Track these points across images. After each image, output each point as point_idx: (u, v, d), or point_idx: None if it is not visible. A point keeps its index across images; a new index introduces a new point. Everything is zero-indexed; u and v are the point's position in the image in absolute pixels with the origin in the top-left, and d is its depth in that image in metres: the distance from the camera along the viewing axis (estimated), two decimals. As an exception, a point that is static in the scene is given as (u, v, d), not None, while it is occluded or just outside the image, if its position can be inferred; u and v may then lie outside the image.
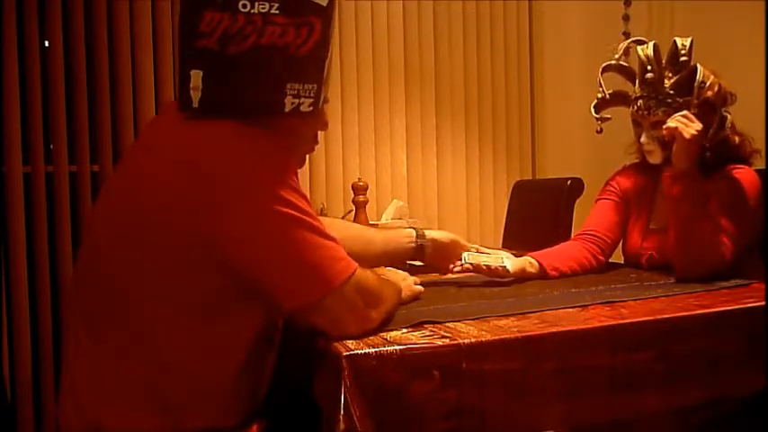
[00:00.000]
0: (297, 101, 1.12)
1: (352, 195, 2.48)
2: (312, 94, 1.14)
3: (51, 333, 2.80)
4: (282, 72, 1.10)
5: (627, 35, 3.07)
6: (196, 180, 1.06)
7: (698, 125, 1.63)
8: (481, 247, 1.75)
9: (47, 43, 2.83)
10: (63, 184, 2.83)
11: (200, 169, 1.06)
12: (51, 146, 2.85)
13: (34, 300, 2.78)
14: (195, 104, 1.10)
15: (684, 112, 1.66)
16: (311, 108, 1.14)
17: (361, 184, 2.47)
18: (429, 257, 1.63)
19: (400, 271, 1.50)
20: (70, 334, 1.18)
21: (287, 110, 1.12)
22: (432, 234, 1.64)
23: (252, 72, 1.09)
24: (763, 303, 1.34)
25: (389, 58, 3.40)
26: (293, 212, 1.06)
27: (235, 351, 1.15)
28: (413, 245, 1.61)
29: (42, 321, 2.78)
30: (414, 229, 1.65)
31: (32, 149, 2.79)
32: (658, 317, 1.26)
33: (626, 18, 3.13)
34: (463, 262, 1.65)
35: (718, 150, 1.74)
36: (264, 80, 1.10)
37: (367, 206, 2.49)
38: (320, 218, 1.14)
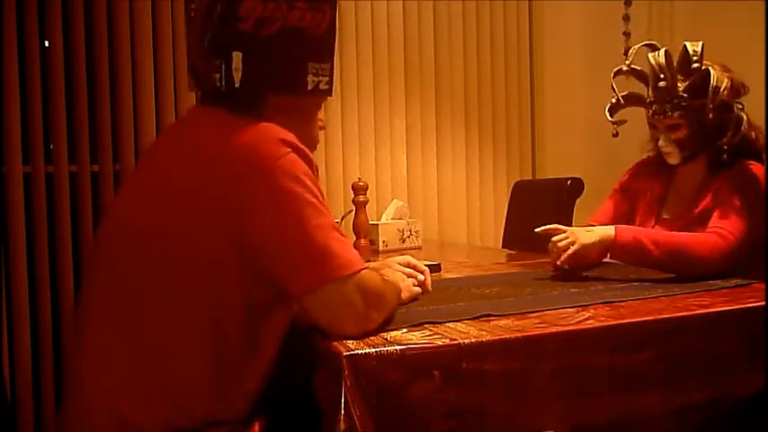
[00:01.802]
0: (317, 79, 1.24)
1: (352, 195, 2.49)
2: (327, 73, 1.26)
3: (51, 333, 2.80)
4: (304, 52, 1.22)
5: (627, 35, 3.07)
6: (228, 167, 1.11)
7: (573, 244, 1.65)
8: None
9: (47, 43, 2.83)
10: (63, 184, 2.83)
11: (232, 156, 1.11)
12: (51, 146, 2.85)
13: (34, 300, 2.78)
14: (237, 84, 1.18)
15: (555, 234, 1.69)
16: (327, 86, 1.27)
17: (361, 184, 2.48)
18: None
19: (401, 268, 1.50)
20: (94, 327, 1.19)
21: (310, 88, 1.23)
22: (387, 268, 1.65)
23: (281, 52, 1.20)
24: (763, 303, 1.34)
25: (389, 58, 3.40)
26: (311, 198, 1.12)
27: (249, 346, 1.16)
28: None
29: (42, 321, 2.78)
30: None
31: (32, 149, 2.80)
32: (658, 317, 1.26)
33: (626, 18, 3.13)
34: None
35: (734, 147, 1.74)
36: (291, 59, 1.21)
37: (367, 206, 2.50)
38: None
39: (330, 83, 1.27)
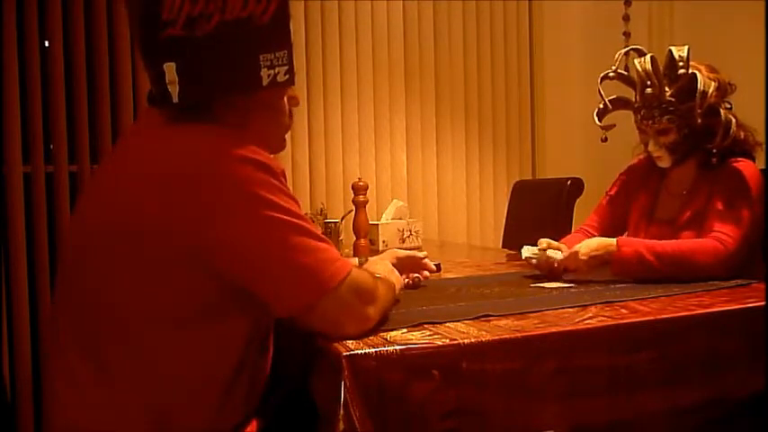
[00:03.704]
0: (272, 71, 1.09)
1: (352, 195, 2.48)
2: (285, 61, 1.11)
3: (51, 333, 2.79)
4: (252, 45, 1.07)
5: (627, 35, 3.07)
6: (182, 191, 1.03)
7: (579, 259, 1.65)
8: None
9: (47, 43, 2.83)
10: (63, 184, 2.83)
11: (186, 180, 1.03)
12: (51, 146, 2.85)
13: (34, 300, 2.78)
14: (175, 99, 1.06)
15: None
16: (287, 76, 1.12)
17: (361, 184, 2.47)
18: None
19: (387, 263, 1.48)
20: (56, 348, 1.14)
21: (265, 83, 1.09)
22: (373, 259, 1.62)
23: (223, 52, 1.06)
24: (763, 303, 1.34)
25: (389, 57, 3.40)
26: (283, 216, 1.05)
27: (227, 357, 1.13)
28: None
29: (42, 321, 2.78)
30: (357, 258, 1.63)
31: (32, 149, 2.80)
32: (658, 317, 1.26)
33: (626, 18, 3.13)
34: (523, 256, 1.76)
35: (724, 148, 1.75)
36: (237, 57, 1.07)
37: (367, 206, 2.49)
38: None
39: (290, 71, 1.11)
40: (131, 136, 1.22)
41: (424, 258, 1.65)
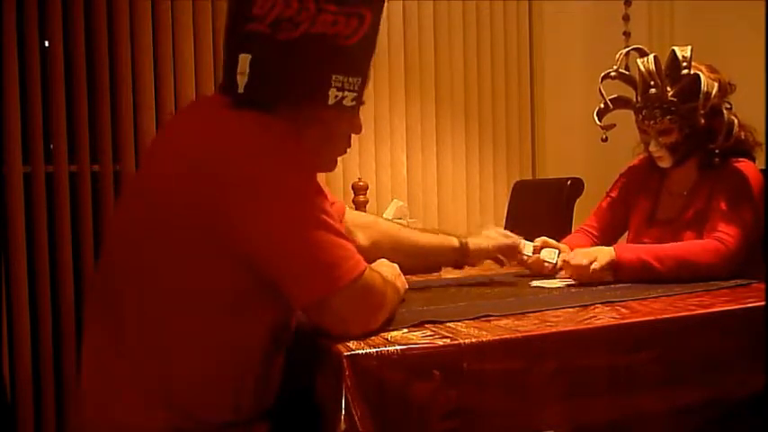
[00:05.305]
0: (341, 94, 1.11)
1: (353, 195, 2.49)
2: (356, 88, 1.13)
3: (51, 333, 2.80)
4: (330, 63, 1.09)
5: (627, 35, 3.07)
6: (217, 176, 1.04)
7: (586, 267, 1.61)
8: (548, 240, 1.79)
9: (47, 43, 2.83)
10: (63, 184, 2.83)
11: (218, 162, 1.05)
12: (51, 146, 2.85)
13: (34, 300, 2.78)
14: (241, 90, 1.08)
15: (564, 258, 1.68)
16: (354, 103, 1.14)
17: (361, 184, 2.48)
18: (471, 265, 1.68)
19: (394, 264, 1.48)
20: (88, 332, 1.18)
21: (330, 102, 1.11)
22: (475, 243, 1.66)
23: (300, 60, 1.07)
24: (763, 303, 1.35)
25: (389, 57, 3.40)
26: (307, 207, 1.07)
27: (246, 351, 1.15)
28: (454, 257, 1.66)
29: (42, 321, 2.78)
30: (457, 238, 1.66)
31: (32, 149, 2.79)
32: (658, 317, 1.27)
33: (626, 18, 3.13)
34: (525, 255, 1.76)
35: (725, 148, 1.75)
36: (311, 70, 1.09)
37: (367, 206, 2.50)
38: (365, 215, 1.13)
39: (357, 99, 1.14)
40: (192, 116, 1.21)
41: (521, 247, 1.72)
